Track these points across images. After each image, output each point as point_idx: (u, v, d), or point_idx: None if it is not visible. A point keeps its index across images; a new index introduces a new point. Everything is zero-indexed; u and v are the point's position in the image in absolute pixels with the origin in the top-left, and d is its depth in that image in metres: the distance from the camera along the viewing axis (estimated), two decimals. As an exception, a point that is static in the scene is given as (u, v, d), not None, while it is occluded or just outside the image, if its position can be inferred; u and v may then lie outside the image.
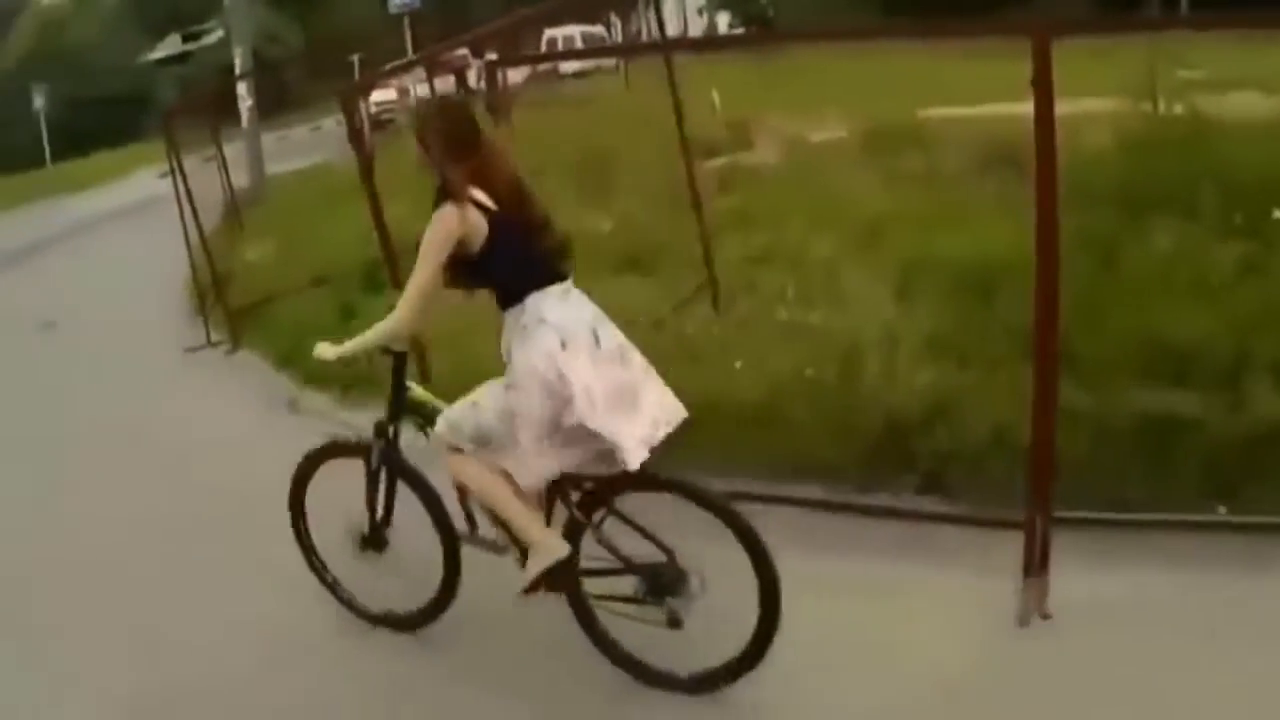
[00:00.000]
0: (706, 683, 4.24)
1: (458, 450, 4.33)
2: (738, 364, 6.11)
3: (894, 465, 5.45)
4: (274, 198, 18.53)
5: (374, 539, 4.89)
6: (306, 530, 5.16)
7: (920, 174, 9.95)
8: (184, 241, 12.87)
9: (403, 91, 27.76)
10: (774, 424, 5.72)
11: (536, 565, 4.27)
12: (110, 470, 7.61)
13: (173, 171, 12.48)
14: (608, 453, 4.07)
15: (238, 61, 21.49)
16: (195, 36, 51.70)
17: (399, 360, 4.63)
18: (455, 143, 4.22)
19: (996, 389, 5.46)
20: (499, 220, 4.19)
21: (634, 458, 4.03)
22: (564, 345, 4.04)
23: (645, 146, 11.15)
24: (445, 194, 4.14)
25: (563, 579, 4.34)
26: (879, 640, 4.39)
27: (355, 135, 5.47)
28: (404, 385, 4.68)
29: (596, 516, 4.29)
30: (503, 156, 4.38)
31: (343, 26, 49.96)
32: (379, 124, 22.55)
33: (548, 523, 4.34)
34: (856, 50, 15.92)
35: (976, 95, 13.06)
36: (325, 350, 4.58)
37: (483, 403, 4.25)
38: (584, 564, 4.37)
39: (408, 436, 4.75)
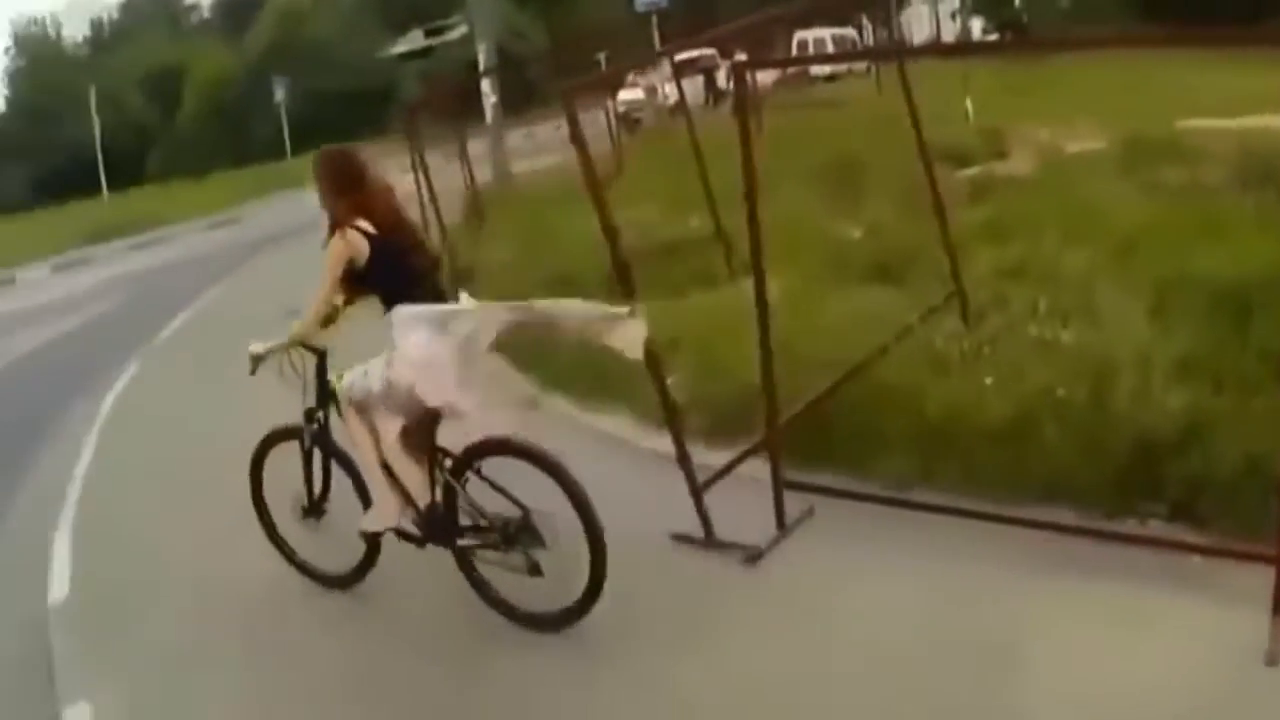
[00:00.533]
0: (563, 620, 5.14)
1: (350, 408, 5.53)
2: (988, 380, 6.10)
3: (1143, 490, 5.35)
4: (517, 195, 18.17)
5: (313, 509, 5.99)
6: (264, 504, 6.20)
7: (1178, 187, 9.64)
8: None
9: (651, 90, 28.15)
10: (1021, 443, 5.68)
11: (369, 524, 5.59)
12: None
13: (414, 166, 12.65)
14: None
15: (482, 57, 21.80)
16: (438, 32, 52.54)
17: (320, 357, 5.67)
18: (340, 182, 5.45)
19: (1251, 415, 5.31)
20: (378, 242, 5.31)
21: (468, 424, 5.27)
22: (426, 340, 5.17)
23: (895, 152, 11.12)
24: (334, 224, 5.35)
25: (440, 533, 5.46)
26: (1122, 670, 4.35)
27: (575, 135, 5.54)
28: (326, 378, 5.67)
29: (462, 480, 5.33)
30: (385, 191, 5.59)
31: (587, 25, 50.55)
32: (628, 123, 22.90)
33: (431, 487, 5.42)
34: (1110, 57, 15.50)
35: (1235, 106, 12.59)
36: (254, 346, 5.59)
37: (371, 372, 5.38)
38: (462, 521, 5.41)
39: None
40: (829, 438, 6.26)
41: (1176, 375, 5.84)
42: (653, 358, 5.56)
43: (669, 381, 6.00)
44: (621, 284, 5.94)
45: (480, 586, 5.43)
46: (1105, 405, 5.72)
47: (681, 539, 5.84)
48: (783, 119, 16.81)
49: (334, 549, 5.98)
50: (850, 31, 37.53)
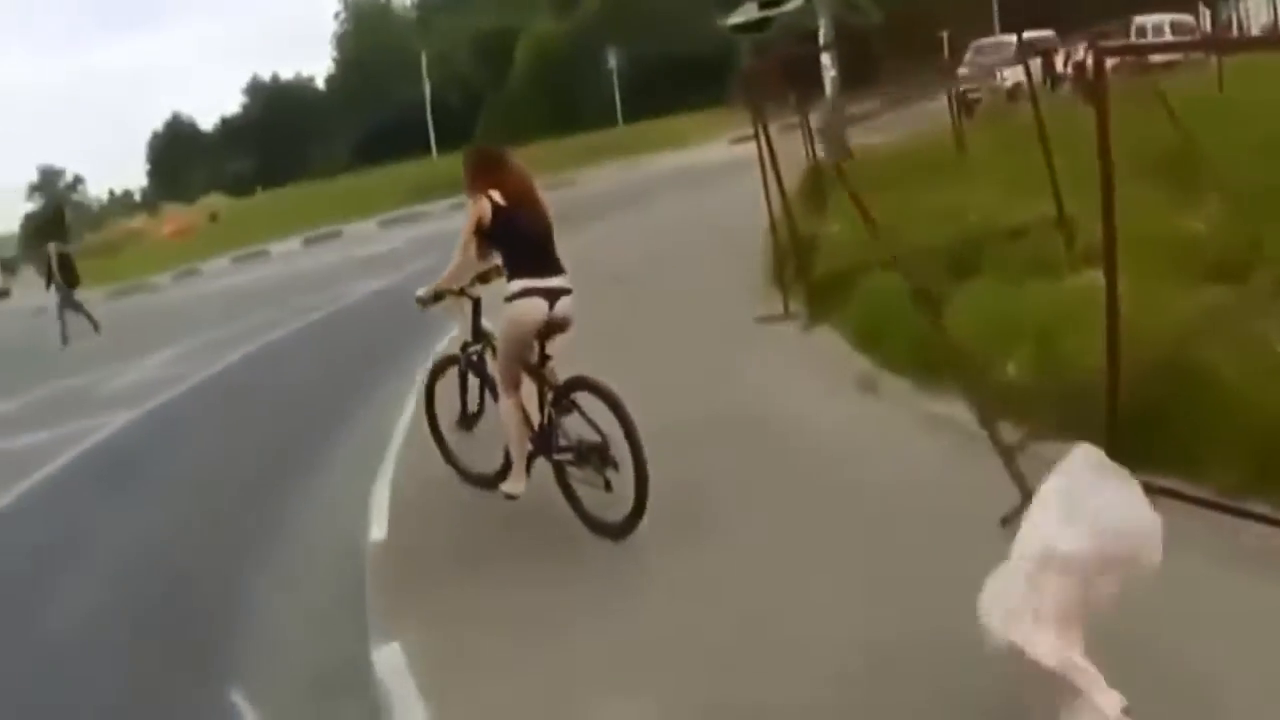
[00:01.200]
0: (620, 531, 6.51)
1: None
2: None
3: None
4: (858, 169, 17.07)
5: (465, 422, 7.79)
6: (435, 418, 8.07)
7: None
8: (761, 208, 12.90)
9: (988, 72, 27.77)
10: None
11: (508, 488, 6.99)
12: (674, 433, 7.53)
13: (756, 134, 12.43)
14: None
15: (822, 29, 21.76)
16: (775, 3, 52.69)
17: (475, 303, 7.39)
18: (480, 167, 7.05)
19: None
20: (503, 211, 6.77)
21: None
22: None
23: (1241, 145, 10.83)
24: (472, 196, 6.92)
25: (545, 447, 6.99)
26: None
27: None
28: (480, 321, 7.40)
29: (561, 409, 6.86)
30: (519, 175, 7.07)
31: (924, 1, 49.60)
32: (965, 104, 22.77)
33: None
34: None
35: None
36: (419, 291, 7.31)
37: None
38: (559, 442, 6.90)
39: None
40: (1165, 436, 6.00)
41: None
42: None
43: (1009, 369, 6.13)
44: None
45: (567, 492, 6.94)
46: None
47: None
48: (1122, 108, 16.28)
49: (482, 457, 7.56)
50: (1189, 18, 35.51)
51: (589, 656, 5.46)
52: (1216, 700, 4.12)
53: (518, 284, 6.78)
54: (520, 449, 6.96)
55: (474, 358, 7.54)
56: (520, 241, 6.84)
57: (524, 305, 6.75)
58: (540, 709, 5.13)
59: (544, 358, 6.95)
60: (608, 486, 6.60)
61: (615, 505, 6.58)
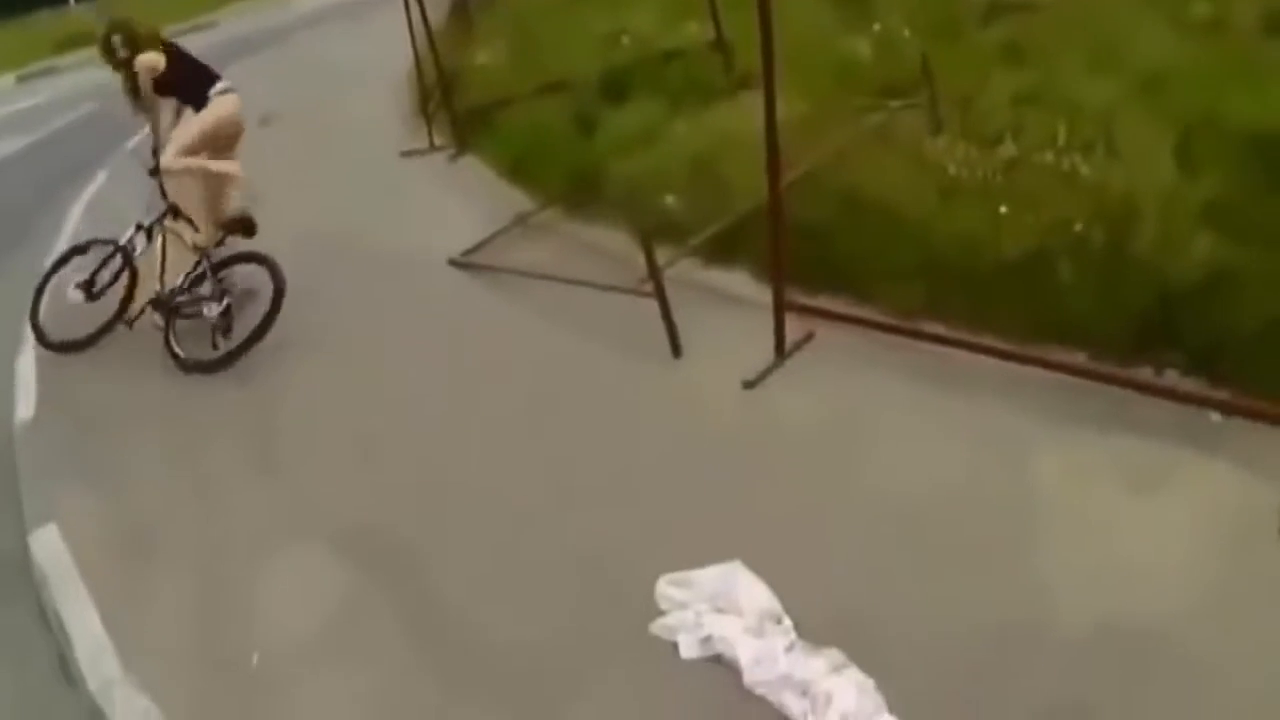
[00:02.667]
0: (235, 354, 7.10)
1: None
2: (1003, 209, 5.73)
3: (1161, 339, 5.05)
4: None
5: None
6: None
7: (1211, 23, 9.05)
8: (408, 40, 12.24)
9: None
10: (1035, 279, 5.38)
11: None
12: (316, 282, 7.68)
13: None
14: None
15: None
16: None
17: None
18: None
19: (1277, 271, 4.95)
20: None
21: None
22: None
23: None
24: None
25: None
26: (1135, 530, 4.15)
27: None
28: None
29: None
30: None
31: None
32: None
33: None
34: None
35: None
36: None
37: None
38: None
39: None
40: (833, 260, 6.05)
41: (1201, 222, 5.46)
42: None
43: (668, 200, 5.73)
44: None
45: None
46: (1125, 245, 5.39)
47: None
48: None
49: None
50: None
51: (247, 512, 5.47)
52: (904, 498, 4.50)
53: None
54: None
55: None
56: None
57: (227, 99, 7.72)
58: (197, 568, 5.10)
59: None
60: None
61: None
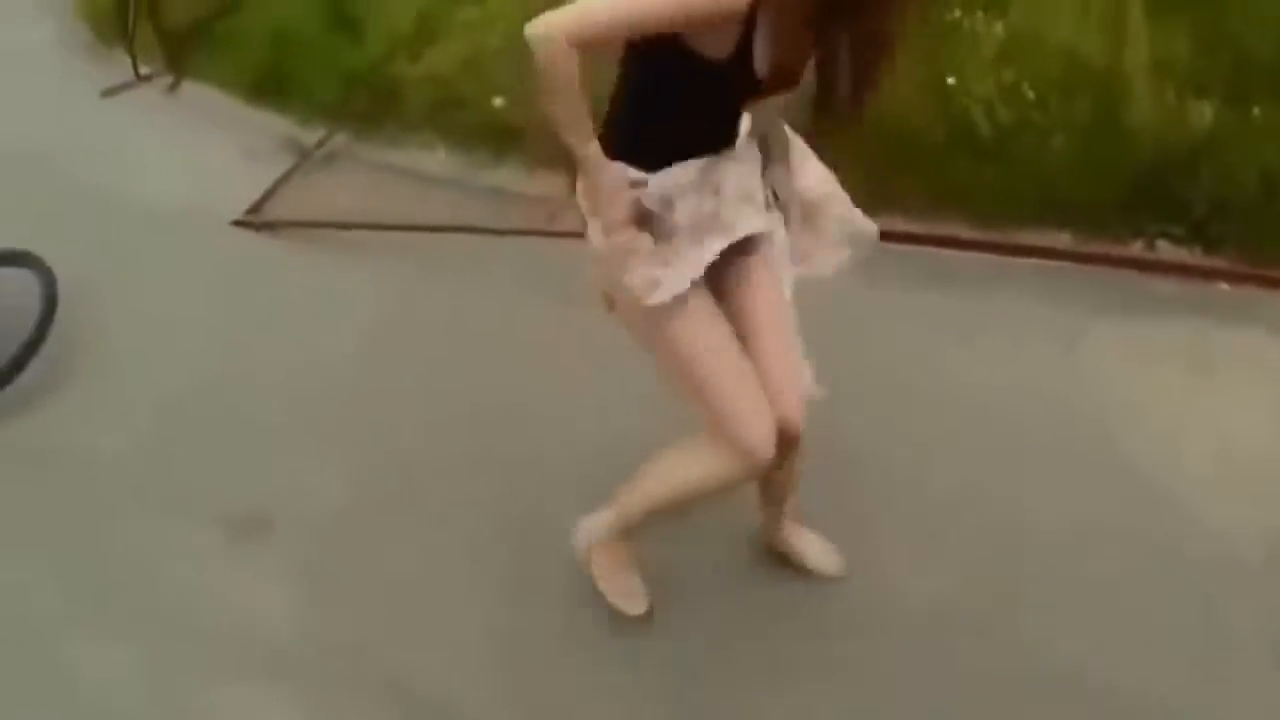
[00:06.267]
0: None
1: None
2: (950, 80, 5.23)
3: (1150, 211, 4.73)
4: None
5: None
6: None
7: None
8: None
9: None
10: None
11: None
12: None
13: None
14: None
15: None
16: None
17: None
18: None
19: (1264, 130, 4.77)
20: None
21: None
22: None
23: None
24: None
25: None
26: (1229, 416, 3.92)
27: None
28: None
29: None
30: None
31: None
32: None
33: None
34: None
35: None
36: None
37: None
38: None
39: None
40: None
41: (1182, 86, 5.09)
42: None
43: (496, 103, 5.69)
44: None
45: None
46: (1113, 117, 5.02)
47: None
48: None
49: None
50: None
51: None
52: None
53: None
54: None
55: None
56: None
57: None
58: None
59: None
60: None
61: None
